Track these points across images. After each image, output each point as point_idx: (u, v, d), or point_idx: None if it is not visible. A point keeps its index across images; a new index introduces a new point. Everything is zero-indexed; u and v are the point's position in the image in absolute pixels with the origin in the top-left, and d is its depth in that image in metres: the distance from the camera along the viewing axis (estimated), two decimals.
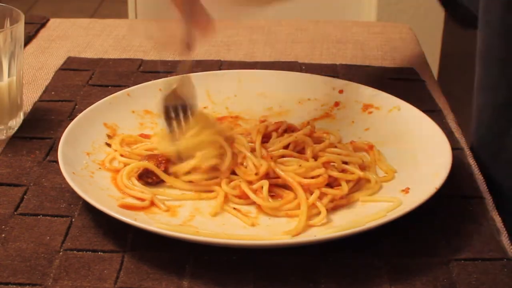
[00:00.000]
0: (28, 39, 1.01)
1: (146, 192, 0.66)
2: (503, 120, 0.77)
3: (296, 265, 0.59)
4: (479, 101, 0.80)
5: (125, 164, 0.70)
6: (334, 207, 0.66)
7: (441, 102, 0.86)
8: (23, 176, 0.70)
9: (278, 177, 0.68)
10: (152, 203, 0.65)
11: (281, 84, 0.85)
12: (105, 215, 0.61)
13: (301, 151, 0.72)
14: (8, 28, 0.76)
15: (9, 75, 0.76)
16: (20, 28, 0.75)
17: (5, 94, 0.76)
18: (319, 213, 0.64)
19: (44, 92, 0.87)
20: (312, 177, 0.67)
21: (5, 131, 0.77)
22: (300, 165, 0.67)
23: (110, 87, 0.88)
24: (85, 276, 0.58)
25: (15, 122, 0.78)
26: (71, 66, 0.94)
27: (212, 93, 0.84)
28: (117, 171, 0.70)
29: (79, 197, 0.65)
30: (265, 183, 0.66)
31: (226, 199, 0.66)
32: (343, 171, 0.69)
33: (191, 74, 0.85)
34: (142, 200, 0.66)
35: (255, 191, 0.66)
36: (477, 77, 0.80)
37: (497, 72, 0.77)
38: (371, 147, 0.74)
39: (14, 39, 0.74)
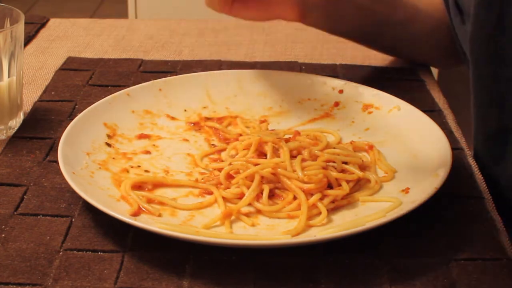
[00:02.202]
0: (28, 39, 1.01)
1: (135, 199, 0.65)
2: (497, 148, 0.78)
3: (296, 265, 0.59)
4: (474, 128, 0.81)
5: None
6: (335, 207, 0.66)
7: (441, 102, 0.86)
8: (23, 176, 0.70)
9: (278, 181, 0.67)
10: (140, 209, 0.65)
11: (281, 84, 0.85)
12: (105, 215, 0.61)
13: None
14: (8, 28, 0.76)
15: (9, 75, 0.75)
16: (20, 28, 0.75)
17: (5, 94, 0.76)
18: (319, 213, 0.64)
19: (44, 92, 0.87)
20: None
21: (5, 131, 0.77)
22: (299, 176, 0.67)
23: (110, 87, 0.88)
24: (85, 276, 0.58)
25: (15, 122, 0.78)
26: (71, 66, 0.94)
27: (212, 93, 0.84)
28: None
29: (79, 197, 0.65)
30: (266, 188, 0.66)
31: (227, 212, 0.65)
32: (343, 171, 0.69)
33: (192, 74, 0.86)
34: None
35: (255, 195, 0.66)
36: (471, 104, 0.81)
37: (487, 101, 0.78)
38: (371, 147, 0.74)
39: (14, 39, 0.74)
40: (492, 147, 0.79)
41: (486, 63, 0.77)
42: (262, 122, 0.80)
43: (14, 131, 0.78)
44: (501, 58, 0.75)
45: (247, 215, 0.65)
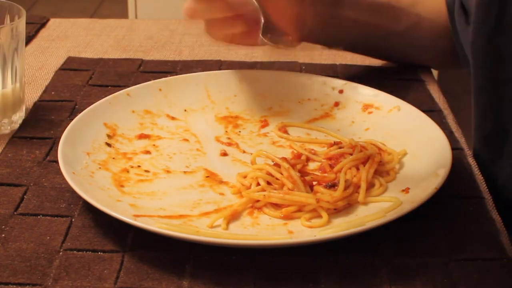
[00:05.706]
0: (28, 39, 1.01)
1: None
2: (495, 148, 0.78)
3: (296, 265, 0.59)
4: (474, 127, 0.81)
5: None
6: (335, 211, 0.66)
7: (441, 102, 0.86)
8: (23, 176, 0.70)
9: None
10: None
11: (281, 84, 0.85)
12: (105, 215, 0.61)
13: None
14: (9, 24, 0.76)
15: (12, 70, 0.76)
16: (22, 24, 0.75)
17: (9, 89, 0.76)
18: (320, 216, 0.64)
19: (44, 92, 0.87)
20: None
21: (8, 126, 0.78)
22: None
23: (110, 87, 0.88)
24: (85, 276, 0.58)
25: (18, 117, 0.79)
26: (71, 66, 0.94)
27: (212, 93, 0.84)
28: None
29: (79, 197, 0.65)
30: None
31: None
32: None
33: (192, 74, 0.86)
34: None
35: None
36: (472, 104, 0.81)
37: (485, 102, 0.78)
38: None
39: (16, 35, 0.74)
40: (490, 147, 0.79)
41: (486, 64, 0.77)
42: (262, 122, 0.80)
43: (17, 126, 0.78)
44: (500, 58, 0.75)
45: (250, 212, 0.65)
